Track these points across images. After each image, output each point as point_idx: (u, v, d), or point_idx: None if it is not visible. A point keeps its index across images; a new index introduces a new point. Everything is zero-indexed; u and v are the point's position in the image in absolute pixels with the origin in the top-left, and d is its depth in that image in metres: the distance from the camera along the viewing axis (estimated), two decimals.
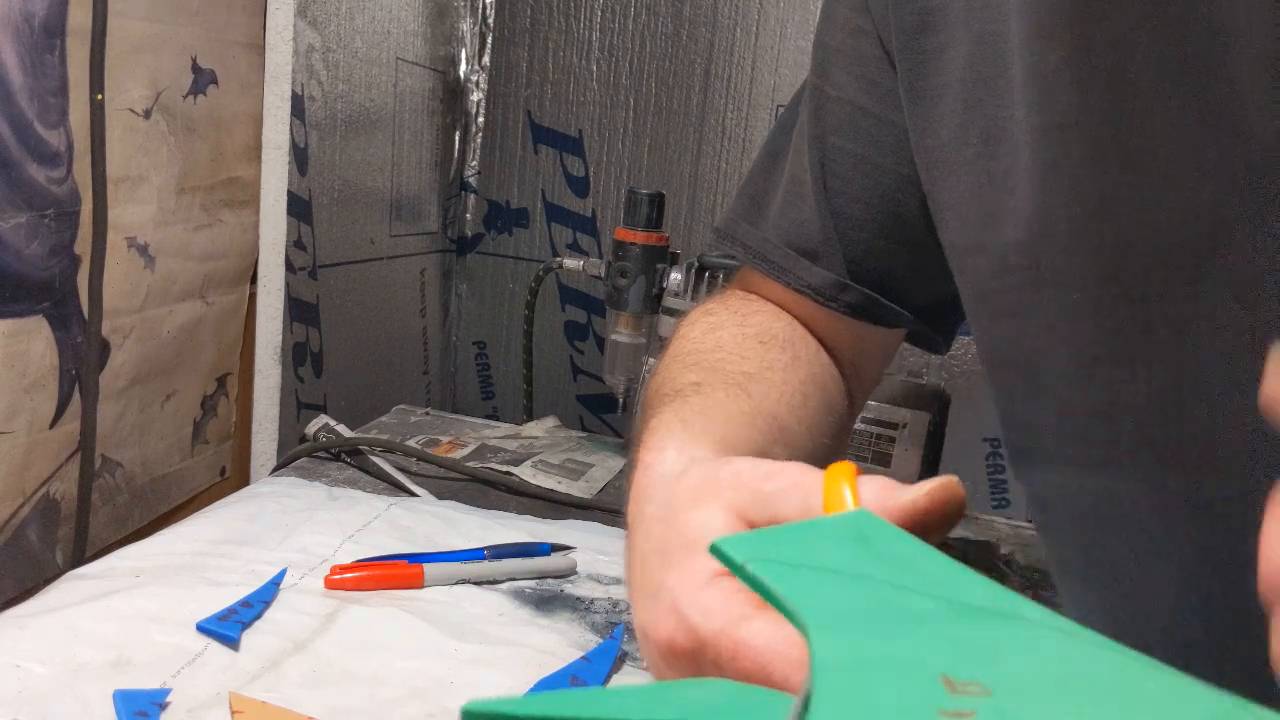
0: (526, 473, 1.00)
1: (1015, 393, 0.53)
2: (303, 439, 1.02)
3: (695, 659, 0.34)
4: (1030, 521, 1.07)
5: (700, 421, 0.47)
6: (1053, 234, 0.46)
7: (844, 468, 0.36)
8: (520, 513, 0.90)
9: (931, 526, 0.34)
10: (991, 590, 0.30)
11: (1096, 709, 0.25)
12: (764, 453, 0.48)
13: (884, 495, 0.34)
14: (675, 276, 0.98)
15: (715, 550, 0.32)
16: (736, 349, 0.57)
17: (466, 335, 1.50)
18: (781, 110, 1.30)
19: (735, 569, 0.31)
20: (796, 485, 0.36)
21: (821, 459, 0.58)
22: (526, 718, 0.27)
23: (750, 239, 0.64)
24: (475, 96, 1.44)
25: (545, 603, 0.73)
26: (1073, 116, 0.45)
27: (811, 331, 0.63)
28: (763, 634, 0.32)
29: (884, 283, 0.61)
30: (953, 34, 0.51)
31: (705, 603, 0.34)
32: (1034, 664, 0.27)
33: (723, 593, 0.34)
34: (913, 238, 0.58)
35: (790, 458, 0.50)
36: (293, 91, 1.03)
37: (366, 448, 0.99)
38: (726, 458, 0.41)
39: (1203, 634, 0.48)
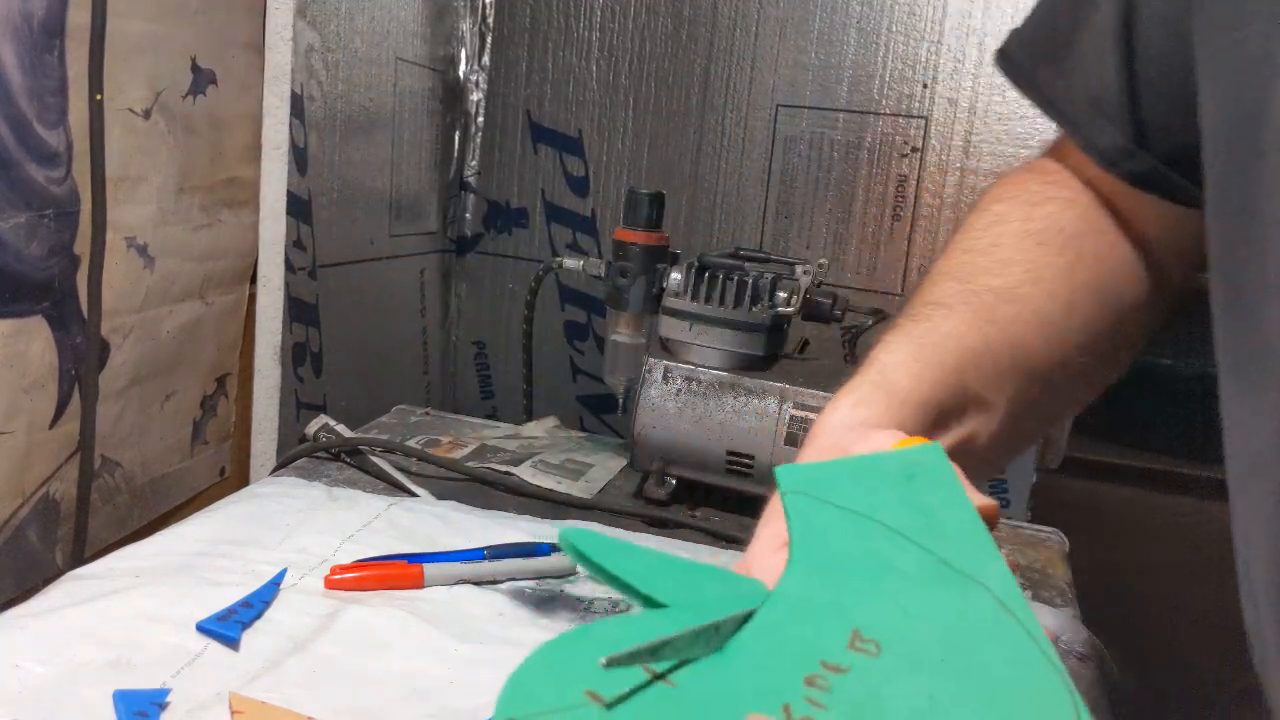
0: (526, 473, 1.00)
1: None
2: (303, 439, 1.02)
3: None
4: (1030, 522, 1.07)
5: (906, 366, 0.49)
6: None
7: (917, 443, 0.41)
8: (520, 513, 0.90)
9: None
10: (980, 555, 0.34)
11: (949, 700, 0.29)
12: (971, 393, 0.51)
13: None
14: (675, 276, 0.98)
15: (775, 473, 0.38)
16: (1007, 253, 0.56)
17: (466, 335, 1.50)
18: (781, 109, 1.30)
19: (782, 496, 0.37)
20: None
21: (1086, 371, 0.58)
22: (606, 571, 0.34)
23: (1050, 86, 0.59)
24: (475, 96, 1.44)
25: (545, 603, 0.72)
26: None
27: (1116, 210, 0.59)
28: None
29: (1177, 156, 0.56)
30: None
31: (764, 537, 0.41)
32: (945, 634, 0.31)
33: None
34: None
35: (1031, 383, 0.53)
36: (292, 91, 1.03)
37: (366, 448, 0.99)
38: (868, 432, 0.44)
39: None
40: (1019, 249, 0.57)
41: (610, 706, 0.30)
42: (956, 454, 0.50)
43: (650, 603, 0.34)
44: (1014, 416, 0.53)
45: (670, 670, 0.31)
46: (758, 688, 0.30)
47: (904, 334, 0.52)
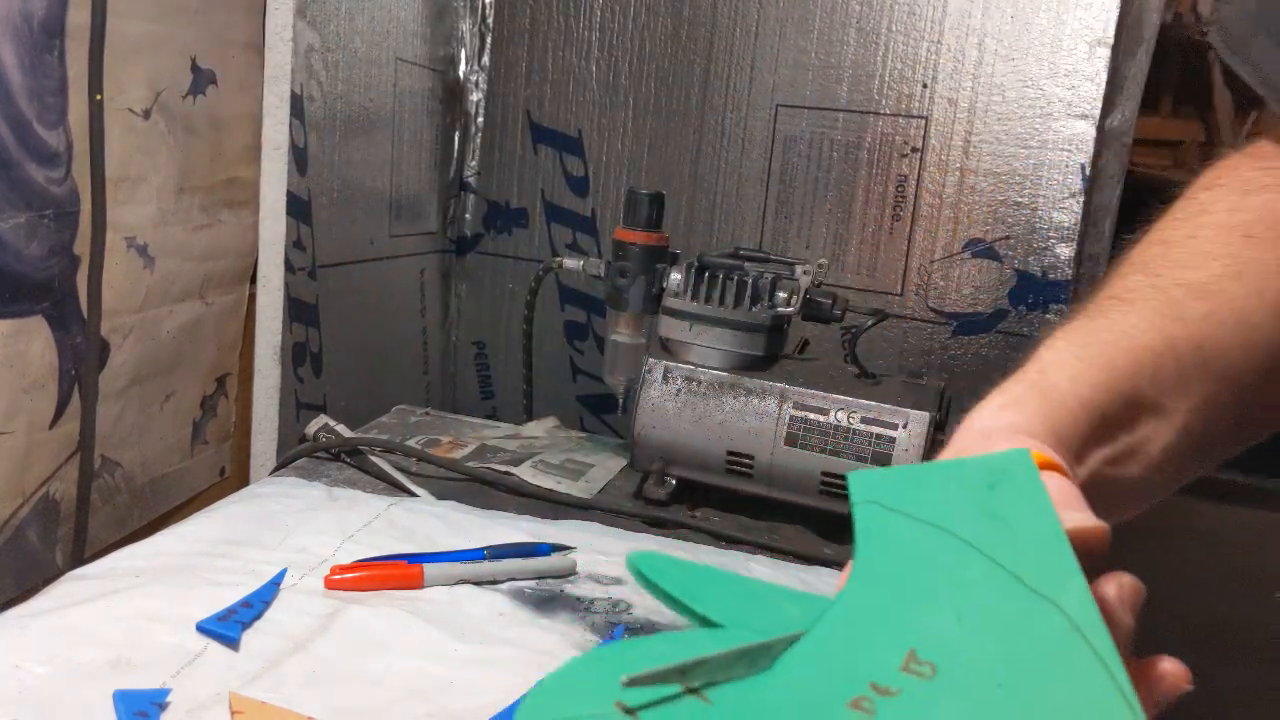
0: (526, 473, 1.00)
1: None
2: (303, 439, 1.02)
3: None
4: None
5: (1068, 366, 0.45)
6: None
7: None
8: (520, 513, 0.90)
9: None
10: (1058, 572, 0.32)
11: None
12: (1145, 398, 0.46)
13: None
14: (675, 276, 0.98)
15: (848, 479, 0.36)
16: (1206, 245, 0.51)
17: (466, 335, 1.50)
18: (781, 109, 1.30)
19: (852, 505, 0.35)
20: None
21: None
22: (666, 593, 0.33)
23: (1266, 57, 0.53)
24: (475, 96, 1.44)
25: (545, 603, 0.72)
26: None
27: None
28: None
29: None
30: None
31: None
32: (1008, 660, 0.29)
33: None
34: None
35: (1223, 389, 0.48)
36: (292, 92, 1.03)
37: (366, 448, 0.99)
38: (1001, 440, 0.41)
39: None
40: (1219, 241, 0.51)
41: (636, 717, 0.29)
42: (1121, 464, 0.46)
43: (708, 624, 0.32)
44: (1198, 426, 0.48)
45: (708, 686, 0.30)
46: (799, 708, 0.29)
47: (1075, 331, 0.47)
